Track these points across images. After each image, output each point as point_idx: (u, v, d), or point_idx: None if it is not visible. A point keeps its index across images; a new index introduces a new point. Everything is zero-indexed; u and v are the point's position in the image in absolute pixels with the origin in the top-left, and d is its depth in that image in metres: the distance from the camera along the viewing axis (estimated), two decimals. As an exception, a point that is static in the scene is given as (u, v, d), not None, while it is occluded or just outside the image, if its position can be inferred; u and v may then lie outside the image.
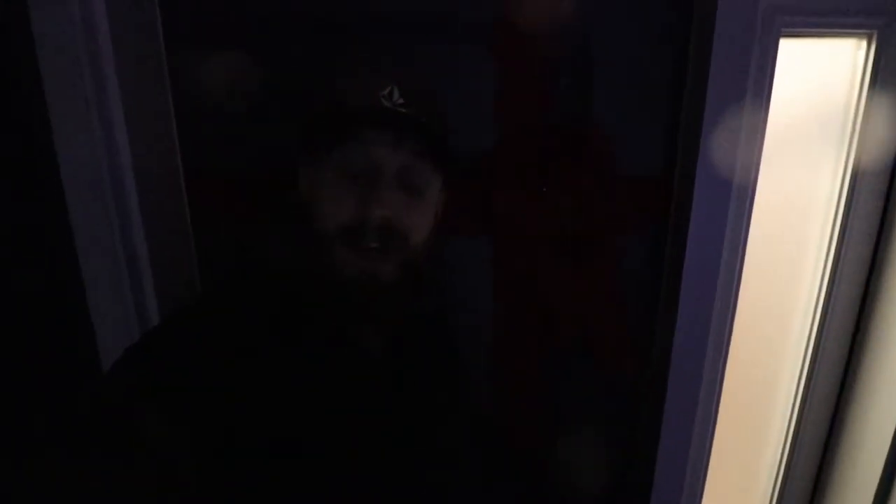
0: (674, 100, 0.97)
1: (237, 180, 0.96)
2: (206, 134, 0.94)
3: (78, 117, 0.81)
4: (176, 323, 0.60)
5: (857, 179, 1.01)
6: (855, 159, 1.00)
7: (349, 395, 0.61)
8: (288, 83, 0.90)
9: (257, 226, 0.67)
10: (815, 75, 1.03)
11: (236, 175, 0.95)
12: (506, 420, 1.06)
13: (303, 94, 0.83)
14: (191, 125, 0.94)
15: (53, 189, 0.82)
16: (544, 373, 1.06)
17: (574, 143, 0.99)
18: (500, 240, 1.00)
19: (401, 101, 0.58)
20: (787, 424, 1.14)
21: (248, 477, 0.53)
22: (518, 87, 0.95)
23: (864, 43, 0.99)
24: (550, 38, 0.94)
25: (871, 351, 1.04)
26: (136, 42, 0.88)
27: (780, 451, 1.17)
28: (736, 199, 0.97)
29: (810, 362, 1.09)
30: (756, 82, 0.93)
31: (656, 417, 1.01)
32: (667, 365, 0.98)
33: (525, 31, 0.93)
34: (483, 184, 0.97)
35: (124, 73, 0.85)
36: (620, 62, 0.95)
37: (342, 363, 0.62)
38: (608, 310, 1.04)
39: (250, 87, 0.90)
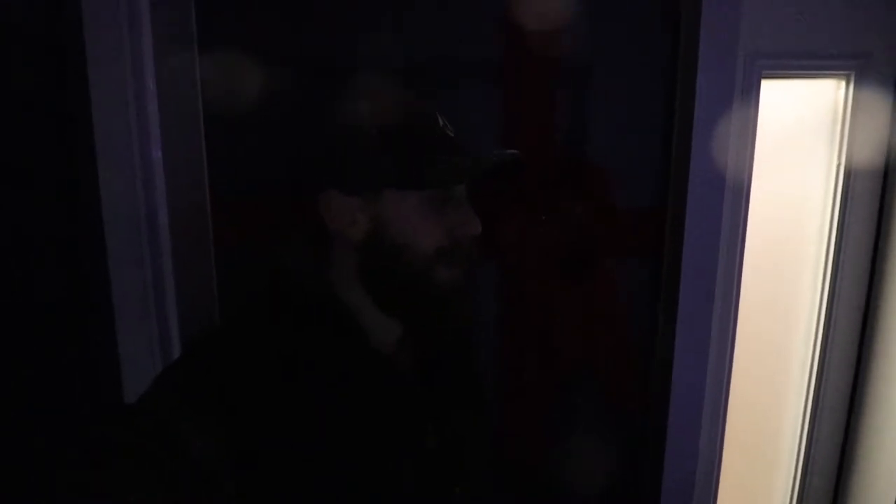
0: (667, 135, 1.05)
1: (262, 203, 1.05)
2: (233, 158, 1.05)
3: (120, 142, 0.92)
4: (213, 343, 0.62)
5: (847, 203, 1.05)
6: (843, 185, 1.05)
7: (385, 414, 0.63)
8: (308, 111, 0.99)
9: (289, 247, 0.71)
10: (804, 110, 1.10)
11: (261, 198, 1.05)
12: (509, 437, 1.09)
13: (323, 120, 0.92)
14: (219, 151, 1.05)
15: (92, 205, 0.91)
16: (546, 390, 1.09)
17: (575, 175, 1.06)
18: (504, 264, 1.06)
19: (451, 126, 0.64)
20: (798, 439, 1.14)
21: (284, 496, 0.55)
22: (523, 122, 1.04)
23: (843, 83, 1.05)
24: (554, 79, 1.03)
25: (876, 364, 1.05)
26: (176, 72, 0.99)
27: (793, 464, 1.16)
28: (729, 225, 1.02)
29: (817, 377, 1.10)
30: (740, 119, 1.00)
31: (660, 437, 1.03)
32: (668, 384, 1.00)
33: (531, 72, 1.03)
34: (488, 211, 1.04)
35: (164, 103, 0.96)
36: (617, 103, 1.04)
37: (378, 380, 0.64)
38: (608, 331, 1.08)
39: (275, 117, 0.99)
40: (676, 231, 1.01)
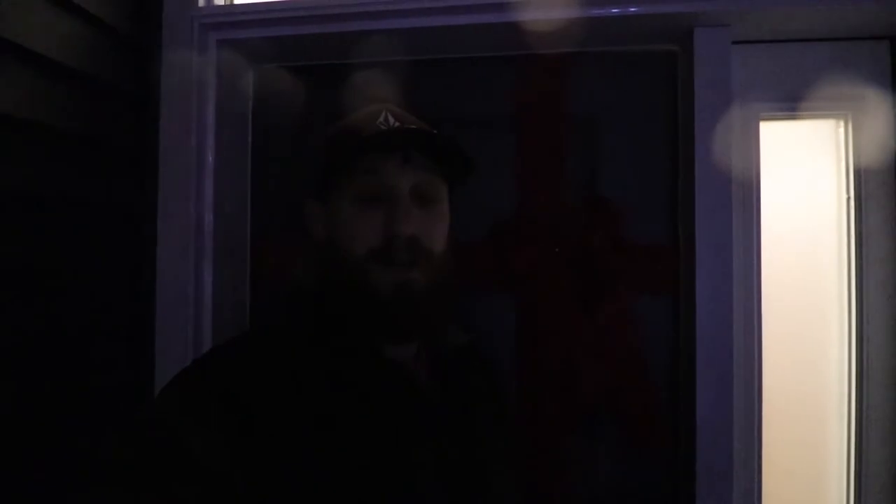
0: (673, 178, 1.12)
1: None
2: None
3: (180, 186, 1.08)
4: (224, 351, 0.63)
5: (861, 232, 1.07)
6: (855, 215, 1.07)
7: (397, 425, 0.61)
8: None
9: (300, 260, 0.76)
10: (808, 147, 1.15)
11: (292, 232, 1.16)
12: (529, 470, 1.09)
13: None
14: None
15: (150, 233, 1.06)
16: (565, 426, 1.10)
17: (588, 215, 1.14)
18: (521, 299, 1.12)
19: (396, 123, 0.63)
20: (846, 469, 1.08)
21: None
22: (538, 166, 1.15)
23: (841, 122, 1.11)
24: (565, 126, 1.14)
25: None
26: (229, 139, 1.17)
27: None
28: (742, 258, 1.06)
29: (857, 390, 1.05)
30: (742, 158, 1.06)
31: (690, 474, 1.01)
32: (693, 417, 1.00)
33: (544, 121, 1.14)
34: (506, 249, 1.12)
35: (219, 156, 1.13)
36: (625, 149, 1.13)
37: (390, 391, 0.63)
38: (626, 369, 1.10)
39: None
40: (688, 266, 1.05)
